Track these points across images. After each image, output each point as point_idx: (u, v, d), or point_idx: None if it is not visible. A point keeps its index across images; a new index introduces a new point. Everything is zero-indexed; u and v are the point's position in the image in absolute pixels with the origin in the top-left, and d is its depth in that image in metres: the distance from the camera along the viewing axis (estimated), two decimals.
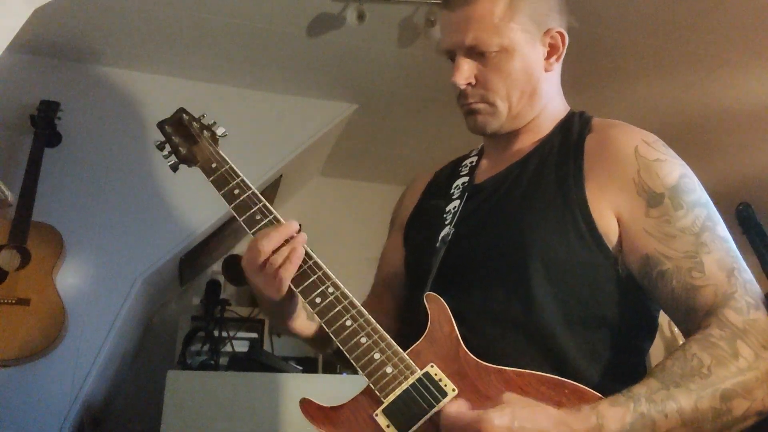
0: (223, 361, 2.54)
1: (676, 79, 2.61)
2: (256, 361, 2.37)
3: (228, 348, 2.64)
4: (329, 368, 2.84)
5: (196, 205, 2.41)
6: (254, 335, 2.84)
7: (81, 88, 2.46)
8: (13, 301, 1.97)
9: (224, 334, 2.67)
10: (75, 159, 2.37)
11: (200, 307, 2.81)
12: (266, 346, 2.80)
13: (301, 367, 2.58)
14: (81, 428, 2.11)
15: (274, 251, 0.92)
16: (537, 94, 1.03)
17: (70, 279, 2.19)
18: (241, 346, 2.70)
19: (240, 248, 3.18)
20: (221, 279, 2.91)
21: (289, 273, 0.91)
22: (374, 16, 2.15)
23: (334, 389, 2.21)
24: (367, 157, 3.45)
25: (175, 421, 2.03)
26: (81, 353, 2.12)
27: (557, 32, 1.03)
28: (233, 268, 2.96)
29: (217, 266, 3.06)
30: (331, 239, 3.33)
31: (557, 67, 1.06)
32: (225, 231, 2.74)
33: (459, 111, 1.09)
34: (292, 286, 0.94)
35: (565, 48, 1.05)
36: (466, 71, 1.01)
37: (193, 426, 2.05)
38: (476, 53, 1.00)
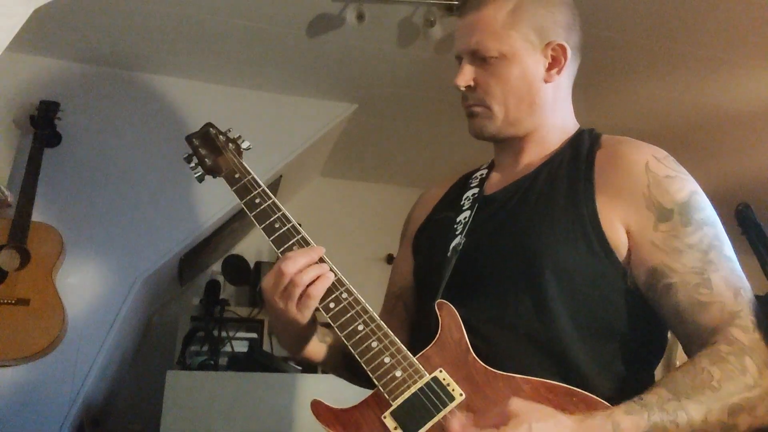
0: (223, 361, 2.54)
1: (675, 79, 2.61)
2: (255, 361, 2.37)
3: (227, 348, 2.65)
4: None
5: (196, 205, 2.41)
6: (254, 335, 2.84)
7: (81, 88, 2.47)
8: (13, 301, 1.97)
9: (224, 334, 2.67)
10: (75, 159, 2.37)
11: (200, 307, 2.81)
12: (266, 347, 2.80)
13: (300, 367, 2.58)
14: (81, 428, 2.11)
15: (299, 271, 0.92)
16: (536, 103, 1.04)
17: (70, 279, 2.19)
18: (241, 347, 2.71)
19: (239, 248, 3.18)
20: (221, 279, 2.92)
21: (318, 291, 0.92)
22: (374, 16, 2.15)
23: (333, 389, 2.19)
24: (366, 157, 3.45)
25: (174, 421, 2.04)
26: (81, 353, 2.12)
27: (558, 45, 1.04)
28: (233, 268, 2.96)
29: (216, 266, 3.07)
30: (331, 239, 3.31)
31: (562, 81, 1.07)
32: (225, 231, 2.74)
33: (459, 112, 1.10)
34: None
35: (567, 61, 1.05)
36: (466, 74, 1.04)
37: (193, 426, 2.05)
38: (479, 58, 1.03)
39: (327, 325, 1.00)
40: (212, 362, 2.45)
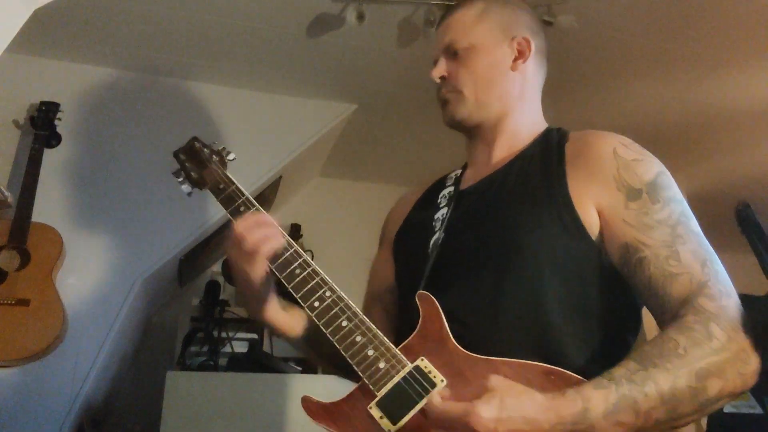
0: (223, 361, 2.54)
1: (675, 78, 2.61)
2: (255, 361, 2.37)
3: (227, 349, 2.64)
4: None
5: (196, 205, 2.41)
6: (254, 336, 2.84)
7: (81, 88, 2.47)
8: (13, 302, 1.97)
9: (223, 334, 2.67)
10: (75, 159, 2.37)
11: (199, 308, 2.81)
12: (265, 347, 2.80)
13: (300, 368, 2.58)
14: (81, 428, 2.11)
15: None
16: (503, 89, 1.14)
17: (70, 279, 2.19)
18: (241, 347, 2.70)
19: None
20: (221, 280, 2.91)
21: (267, 249, 0.99)
22: (374, 16, 2.15)
23: (333, 389, 2.20)
24: (366, 157, 3.45)
25: (174, 422, 2.04)
26: (81, 353, 2.12)
27: (523, 38, 1.15)
28: None
29: (216, 267, 3.06)
30: (331, 239, 3.33)
31: (529, 75, 1.16)
32: (225, 231, 2.73)
33: None
34: (293, 292, 1.00)
35: (532, 53, 1.15)
36: (440, 66, 1.16)
37: (193, 426, 2.05)
38: (451, 53, 1.15)
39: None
40: (212, 363, 2.45)
